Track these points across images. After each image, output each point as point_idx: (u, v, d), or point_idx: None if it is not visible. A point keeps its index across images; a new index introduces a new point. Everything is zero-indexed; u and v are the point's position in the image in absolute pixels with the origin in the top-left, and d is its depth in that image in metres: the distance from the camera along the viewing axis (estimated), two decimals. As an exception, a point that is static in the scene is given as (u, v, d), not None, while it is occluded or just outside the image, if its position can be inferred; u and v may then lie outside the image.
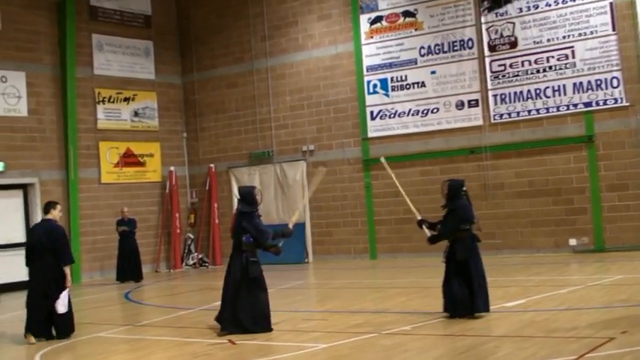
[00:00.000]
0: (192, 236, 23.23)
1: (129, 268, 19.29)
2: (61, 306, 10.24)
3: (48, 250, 10.29)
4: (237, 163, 22.84)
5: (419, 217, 10.69)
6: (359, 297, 13.07)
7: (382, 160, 12.10)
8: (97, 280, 20.47)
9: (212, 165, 23.12)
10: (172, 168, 22.78)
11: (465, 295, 9.69)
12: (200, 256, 22.87)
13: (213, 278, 19.55)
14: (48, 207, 10.75)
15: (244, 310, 9.60)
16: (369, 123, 20.36)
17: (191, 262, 22.87)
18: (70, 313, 10.48)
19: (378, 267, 19.00)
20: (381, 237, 20.14)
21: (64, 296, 10.29)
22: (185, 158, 23.84)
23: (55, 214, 10.65)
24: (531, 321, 9.35)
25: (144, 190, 22.45)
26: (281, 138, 21.99)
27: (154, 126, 22.90)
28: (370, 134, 20.37)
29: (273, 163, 22.04)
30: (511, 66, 18.43)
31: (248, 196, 9.97)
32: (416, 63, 19.66)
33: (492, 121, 18.73)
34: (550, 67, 17.97)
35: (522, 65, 18.29)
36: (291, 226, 10.06)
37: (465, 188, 10.17)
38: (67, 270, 10.34)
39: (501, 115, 18.63)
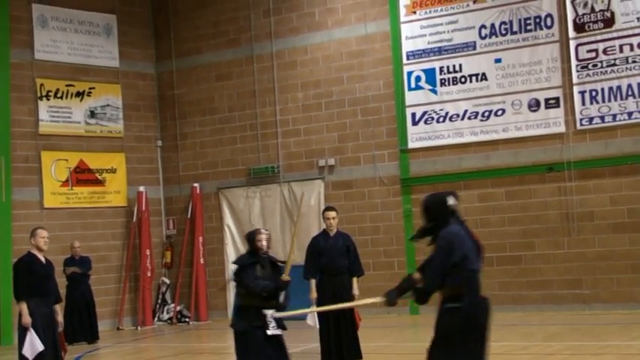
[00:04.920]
0: (167, 281, 23.29)
1: (80, 325, 19.27)
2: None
3: None
4: (230, 182, 22.88)
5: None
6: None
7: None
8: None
9: (196, 184, 23.17)
10: (142, 188, 22.82)
11: None
12: (179, 308, 22.89)
13: (196, 339, 19.46)
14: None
15: None
16: (410, 129, 20.37)
17: (166, 316, 22.88)
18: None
19: (422, 325, 18.88)
20: (426, 285, 20.00)
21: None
22: (160, 175, 23.95)
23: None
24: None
25: (103, 219, 22.49)
26: (290, 149, 22.05)
27: (117, 131, 22.99)
28: (411, 144, 20.38)
29: (279, 182, 22.08)
30: (605, 52, 18.38)
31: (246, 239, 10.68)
32: (474, 48, 19.72)
33: (579, 127, 18.69)
34: (659, 54, 17.97)
35: (621, 51, 18.24)
36: (285, 275, 10.21)
37: (451, 203, 7.47)
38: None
39: (591, 120, 18.58)
